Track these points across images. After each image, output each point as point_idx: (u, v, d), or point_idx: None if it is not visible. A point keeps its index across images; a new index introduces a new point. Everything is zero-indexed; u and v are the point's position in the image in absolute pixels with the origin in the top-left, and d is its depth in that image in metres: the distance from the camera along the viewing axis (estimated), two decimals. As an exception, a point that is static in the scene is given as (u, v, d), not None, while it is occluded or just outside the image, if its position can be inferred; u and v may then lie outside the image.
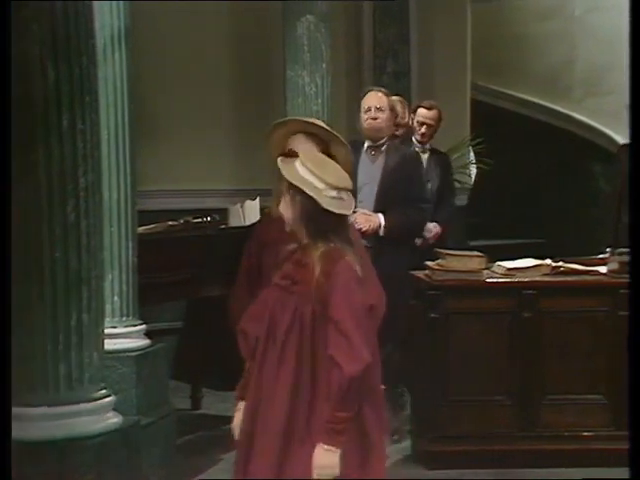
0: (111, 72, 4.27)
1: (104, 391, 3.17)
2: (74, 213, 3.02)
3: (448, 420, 4.84)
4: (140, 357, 4.38)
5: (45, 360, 3.02)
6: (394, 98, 5.99)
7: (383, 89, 5.30)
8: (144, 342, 4.48)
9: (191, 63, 7.03)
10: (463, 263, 4.92)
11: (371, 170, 5.01)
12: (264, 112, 7.07)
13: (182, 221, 5.21)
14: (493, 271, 5.04)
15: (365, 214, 4.89)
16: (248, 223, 5.46)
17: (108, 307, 4.20)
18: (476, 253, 5.08)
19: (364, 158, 5.05)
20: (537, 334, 4.88)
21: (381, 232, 4.90)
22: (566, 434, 4.86)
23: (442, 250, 5.09)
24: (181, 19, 6.91)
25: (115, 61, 4.27)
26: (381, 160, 5.04)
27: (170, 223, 5.18)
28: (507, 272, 4.98)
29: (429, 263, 4.97)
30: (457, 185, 7.67)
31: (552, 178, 9.33)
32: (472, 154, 7.73)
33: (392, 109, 5.12)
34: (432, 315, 4.83)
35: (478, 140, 7.67)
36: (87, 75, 3.01)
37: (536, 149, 9.34)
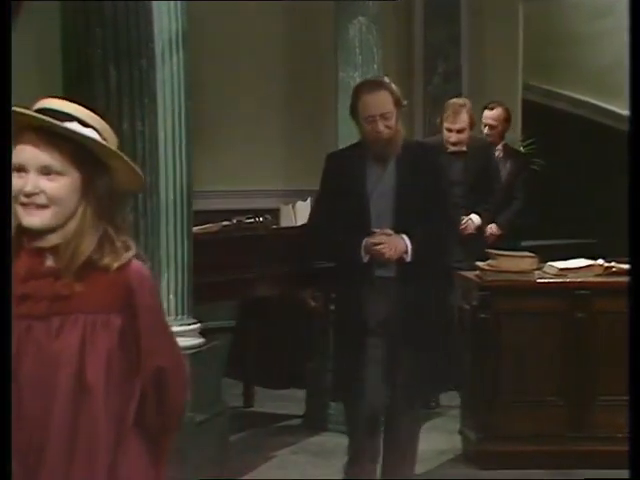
0: (169, 74, 4.34)
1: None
2: (133, 213, 3.10)
3: (499, 420, 4.85)
4: (195, 355, 4.44)
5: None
6: (460, 101, 5.79)
7: (384, 79, 4.09)
8: (199, 340, 4.55)
9: (244, 65, 7.11)
10: (514, 263, 4.92)
11: (382, 179, 3.91)
12: (316, 114, 7.14)
13: (235, 221, 5.28)
14: (545, 271, 5.03)
15: (387, 234, 3.85)
16: (299, 224, 5.53)
17: (164, 306, 4.27)
18: (527, 254, 5.07)
19: (370, 164, 3.92)
20: (590, 335, 4.86)
21: (408, 257, 3.85)
22: (619, 435, 4.83)
23: (493, 251, 5.09)
24: (235, 22, 7.00)
25: (173, 64, 4.35)
26: (393, 165, 3.92)
27: (224, 223, 5.25)
28: (559, 272, 4.97)
29: (479, 264, 4.98)
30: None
31: (604, 178, 9.24)
32: (523, 154, 7.70)
33: (397, 103, 3.88)
34: (482, 316, 4.84)
35: (529, 141, 7.65)
36: (146, 78, 3.09)
37: (588, 148, 9.26)
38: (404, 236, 3.86)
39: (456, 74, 7.65)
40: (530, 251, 5.14)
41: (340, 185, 3.90)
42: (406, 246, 3.85)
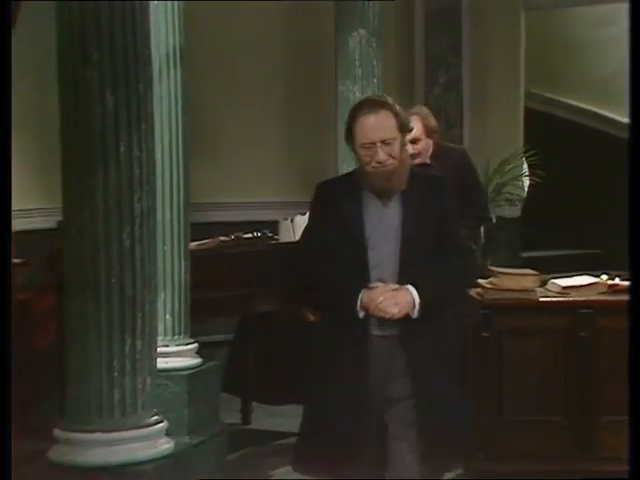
0: (166, 90, 4.31)
1: (157, 417, 3.19)
2: (129, 239, 3.04)
3: (502, 439, 4.79)
4: (192, 376, 4.39)
5: (100, 386, 3.05)
6: (412, 110, 4.84)
7: (387, 98, 3.30)
8: (196, 361, 4.50)
9: (243, 78, 7.07)
10: (517, 282, 4.86)
11: (384, 218, 3.20)
12: (315, 127, 7.10)
13: (233, 237, 5.23)
14: (547, 289, 4.98)
15: (391, 291, 3.15)
16: (298, 238, 5.47)
17: (160, 326, 4.21)
18: (530, 271, 5.02)
19: (370, 199, 3.21)
20: (593, 353, 4.80)
21: (415, 313, 3.16)
22: (623, 456, 4.76)
23: (495, 268, 5.04)
24: (234, 36, 6.97)
25: (170, 80, 4.30)
26: (397, 200, 3.21)
27: (222, 239, 5.20)
28: (562, 291, 4.91)
29: (481, 281, 4.92)
30: (509, 197, 7.61)
31: (607, 187, 9.20)
32: (525, 165, 7.66)
33: (403, 127, 3.21)
34: (484, 334, 4.78)
35: (531, 152, 7.60)
36: (144, 102, 3.04)
37: (591, 157, 9.21)
38: (410, 288, 3.15)
39: (457, 83, 7.61)
40: (532, 262, 5.09)
41: (332, 224, 3.19)
42: (413, 301, 3.14)
